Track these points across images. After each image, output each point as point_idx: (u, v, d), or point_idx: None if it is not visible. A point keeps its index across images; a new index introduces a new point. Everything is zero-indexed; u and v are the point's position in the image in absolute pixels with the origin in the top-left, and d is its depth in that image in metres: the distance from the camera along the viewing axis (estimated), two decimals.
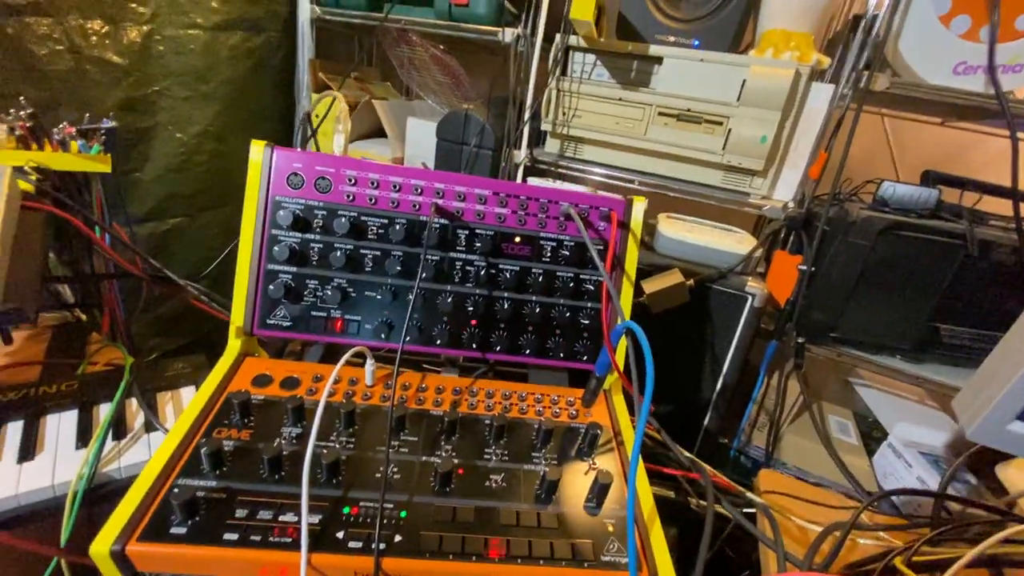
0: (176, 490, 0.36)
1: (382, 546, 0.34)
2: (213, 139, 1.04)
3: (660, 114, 0.86)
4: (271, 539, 0.34)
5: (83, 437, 0.51)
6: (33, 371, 0.61)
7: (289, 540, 0.34)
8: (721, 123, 0.82)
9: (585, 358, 0.52)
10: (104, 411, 0.54)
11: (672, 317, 0.75)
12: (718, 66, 0.80)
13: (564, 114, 0.93)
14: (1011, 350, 0.39)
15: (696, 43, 0.84)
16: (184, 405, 0.58)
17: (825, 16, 0.84)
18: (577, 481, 0.42)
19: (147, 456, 0.50)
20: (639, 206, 0.53)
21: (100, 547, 0.32)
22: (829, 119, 0.79)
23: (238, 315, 0.48)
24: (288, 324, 0.49)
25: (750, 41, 0.88)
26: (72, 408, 0.54)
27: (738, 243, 0.80)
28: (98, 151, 0.61)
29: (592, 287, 0.52)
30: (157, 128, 0.96)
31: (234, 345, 0.48)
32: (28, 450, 0.48)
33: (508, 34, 0.91)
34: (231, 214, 1.13)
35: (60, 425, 0.52)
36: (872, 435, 0.94)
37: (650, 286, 0.75)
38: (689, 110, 0.84)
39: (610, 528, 0.39)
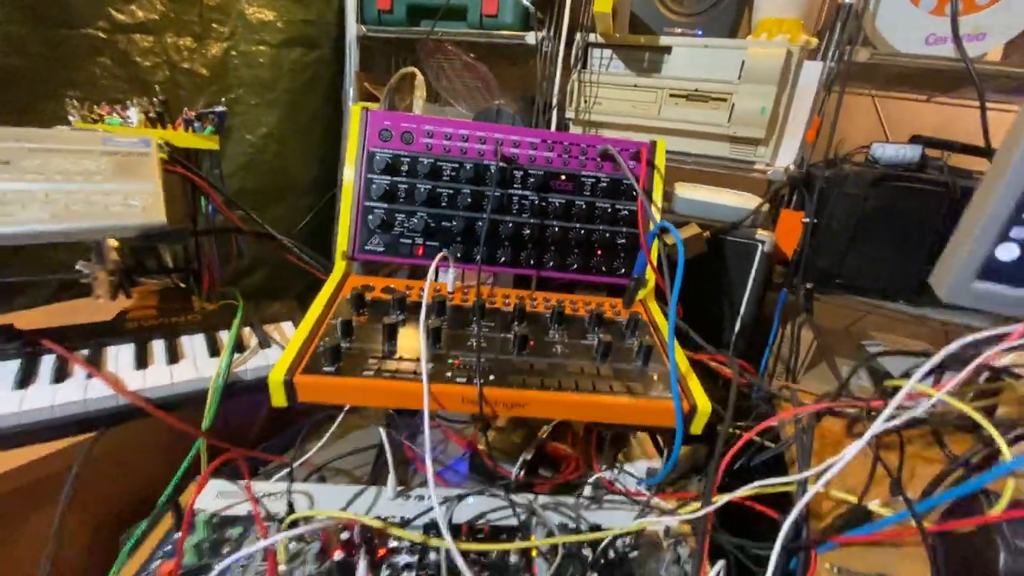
0: (321, 346, 0.47)
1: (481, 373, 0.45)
2: (276, 141, 1.18)
3: (671, 96, 0.98)
4: (398, 374, 0.45)
5: (213, 350, 0.63)
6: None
7: (412, 374, 0.45)
8: (725, 99, 0.94)
9: (623, 271, 0.63)
10: (224, 337, 0.66)
11: (692, 268, 0.85)
12: (720, 50, 0.92)
13: (585, 103, 1.06)
14: (969, 219, 0.49)
15: (700, 32, 0.97)
16: (288, 335, 0.69)
17: (812, 5, 0.97)
18: (625, 349, 0.52)
19: (267, 363, 0.62)
20: (662, 146, 0.64)
21: (276, 376, 0.43)
22: (820, 90, 0.90)
23: (343, 242, 0.60)
24: (381, 250, 0.61)
25: (747, 29, 1.00)
26: (199, 332, 0.66)
27: (747, 201, 0.91)
28: (210, 132, 0.74)
29: (627, 213, 0.63)
30: (232, 130, 1.11)
31: (340, 265, 0.60)
32: (173, 357, 0.60)
33: (534, 37, 1.05)
34: (289, 209, 1.27)
35: (193, 343, 0.64)
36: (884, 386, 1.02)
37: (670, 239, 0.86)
38: (697, 90, 0.96)
39: (655, 377, 0.49)
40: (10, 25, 0.80)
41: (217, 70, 1.06)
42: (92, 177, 0.55)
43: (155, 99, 0.71)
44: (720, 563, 0.41)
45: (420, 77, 0.83)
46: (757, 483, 0.43)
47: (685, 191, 0.94)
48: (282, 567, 0.43)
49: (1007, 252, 0.47)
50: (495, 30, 1.10)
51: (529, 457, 0.57)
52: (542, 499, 0.50)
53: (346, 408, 0.61)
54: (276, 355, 0.63)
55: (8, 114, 0.83)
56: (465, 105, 1.30)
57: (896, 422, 0.38)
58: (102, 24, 0.91)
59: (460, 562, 0.39)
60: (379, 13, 1.18)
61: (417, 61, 1.30)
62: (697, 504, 0.44)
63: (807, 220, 0.90)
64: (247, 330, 0.68)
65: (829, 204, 0.89)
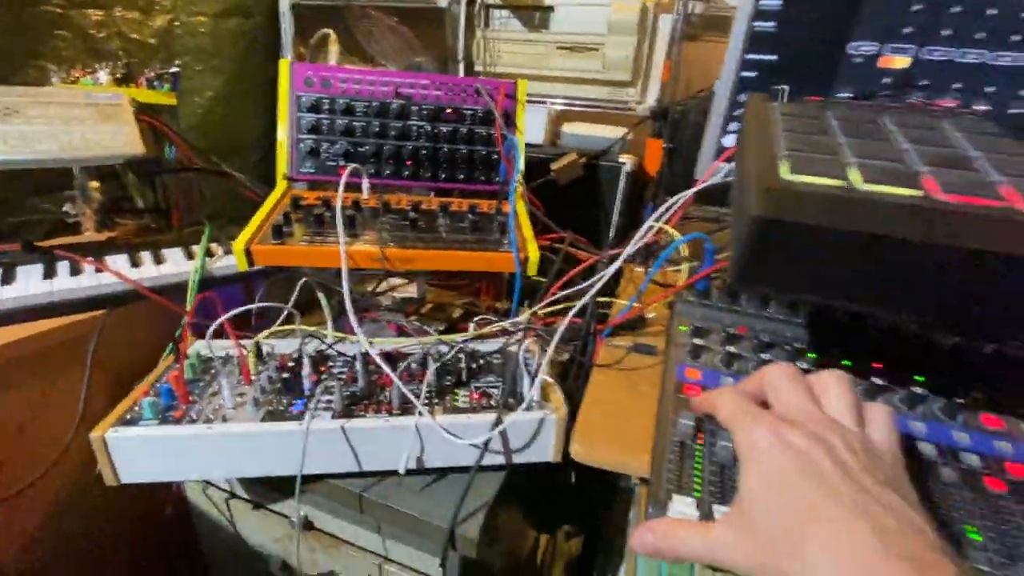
0: (271, 224, 0.67)
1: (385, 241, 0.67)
2: (222, 103, 1.34)
3: (558, 48, 1.19)
4: (325, 243, 0.66)
5: (189, 257, 0.82)
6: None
7: (334, 241, 0.66)
8: (599, 49, 1.15)
9: (497, 180, 0.85)
10: (196, 249, 0.85)
11: (574, 189, 1.08)
12: (591, 7, 1.13)
13: (490, 57, 1.25)
14: (710, 118, 0.72)
15: None
16: None
17: None
18: (490, 228, 0.75)
19: (231, 264, 0.81)
20: (523, 85, 0.85)
21: (238, 246, 0.64)
22: (672, 38, 1.12)
23: (282, 165, 0.80)
24: (312, 171, 0.81)
25: None
26: (176, 247, 0.85)
27: (617, 133, 1.14)
28: (168, 89, 0.91)
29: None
30: (182, 94, 1.26)
31: (281, 184, 0.80)
32: (159, 260, 0.79)
33: (443, 0, 1.23)
34: (241, 165, 1.43)
35: (172, 253, 0.83)
36: None
37: (555, 164, 1.08)
38: (577, 42, 1.17)
39: (506, 241, 0.72)
40: None
41: (163, 39, 1.20)
42: (84, 122, 0.73)
43: (119, 63, 0.88)
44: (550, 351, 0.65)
45: (334, 36, 1.02)
46: (561, 293, 0.67)
47: (569, 128, 1.16)
48: (253, 373, 0.64)
49: (729, 140, 0.70)
50: None
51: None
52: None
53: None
54: None
55: None
56: (393, 63, 1.47)
57: (631, 250, 0.61)
58: (56, 0, 1.05)
59: (368, 347, 0.61)
60: None
61: (347, 26, 1.46)
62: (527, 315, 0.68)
63: (665, 146, 1.14)
64: (215, 245, 0.87)
65: (680, 132, 1.13)
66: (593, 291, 0.64)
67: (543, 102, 1.23)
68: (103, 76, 0.86)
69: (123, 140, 0.73)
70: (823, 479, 0.29)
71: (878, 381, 0.46)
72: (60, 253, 0.75)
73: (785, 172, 0.35)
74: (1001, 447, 0.42)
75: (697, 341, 0.51)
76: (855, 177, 0.33)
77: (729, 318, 0.55)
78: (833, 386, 0.35)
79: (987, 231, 0.30)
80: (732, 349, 0.49)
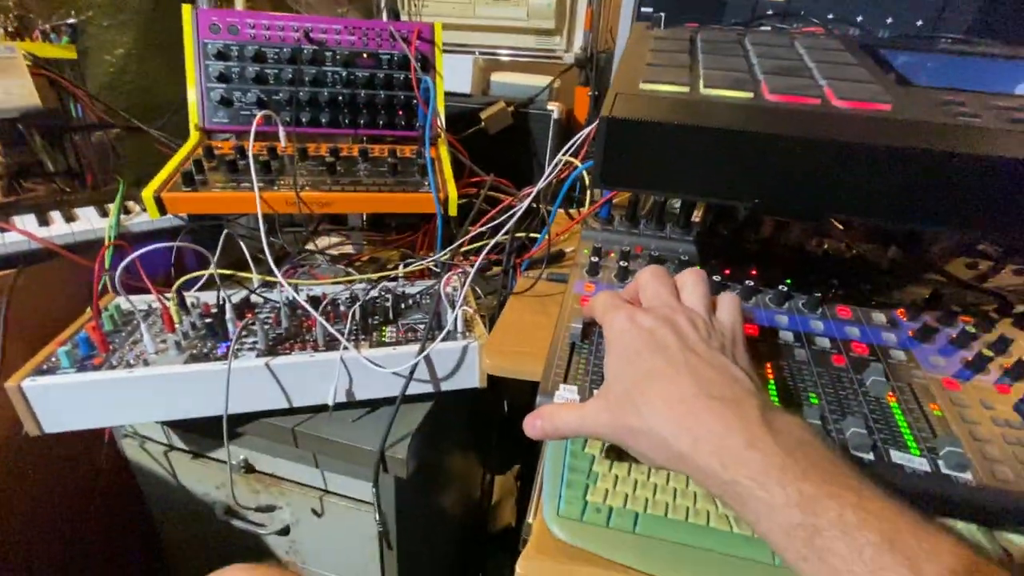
0: (181, 173, 0.66)
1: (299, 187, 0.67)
2: (136, 60, 1.26)
3: None
4: (239, 188, 0.66)
5: (103, 214, 0.80)
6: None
7: (249, 186, 0.66)
8: None
9: (420, 125, 0.85)
10: (110, 208, 0.83)
11: (505, 136, 1.09)
12: None
13: (415, 7, 1.23)
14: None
15: None
16: None
17: None
18: (411, 171, 0.76)
19: (149, 220, 0.80)
20: (439, 27, 0.85)
21: (147, 193, 0.63)
22: None
23: (193, 116, 0.78)
24: (227, 121, 0.79)
25: None
26: (89, 206, 0.82)
27: (545, 81, 1.15)
28: (66, 42, 0.86)
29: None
30: (89, 52, 1.18)
31: (195, 135, 0.78)
32: (69, 218, 0.77)
33: None
34: (160, 125, 1.36)
35: (86, 212, 0.80)
36: None
37: (485, 113, 1.09)
38: None
39: (426, 183, 0.73)
40: None
41: None
42: None
43: (11, 15, 0.82)
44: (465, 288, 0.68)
45: None
46: (476, 231, 0.69)
47: (498, 77, 1.17)
48: (176, 322, 0.64)
49: None
50: None
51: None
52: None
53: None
54: None
55: None
56: (316, 14, 1.42)
57: (542, 184, 0.64)
58: None
59: (295, 295, 0.62)
60: None
61: None
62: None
63: (591, 93, 1.16)
64: (131, 203, 0.85)
65: (606, 79, 1.15)
66: (508, 226, 0.67)
67: (472, 52, 1.23)
68: None
69: (18, 93, 0.70)
70: (664, 349, 0.34)
71: (752, 284, 0.52)
72: None
73: (640, 82, 0.38)
74: (850, 331, 0.48)
75: (595, 260, 0.55)
76: (699, 84, 0.37)
77: (628, 240, 0.60)
78: (689, 281, 0.40)
79: (803, 121, 0.34)
80: (626, 264, 0.54)
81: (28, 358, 0.75)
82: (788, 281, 0.53)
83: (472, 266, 0.69)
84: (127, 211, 0.81)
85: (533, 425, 0.39)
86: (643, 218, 0.62)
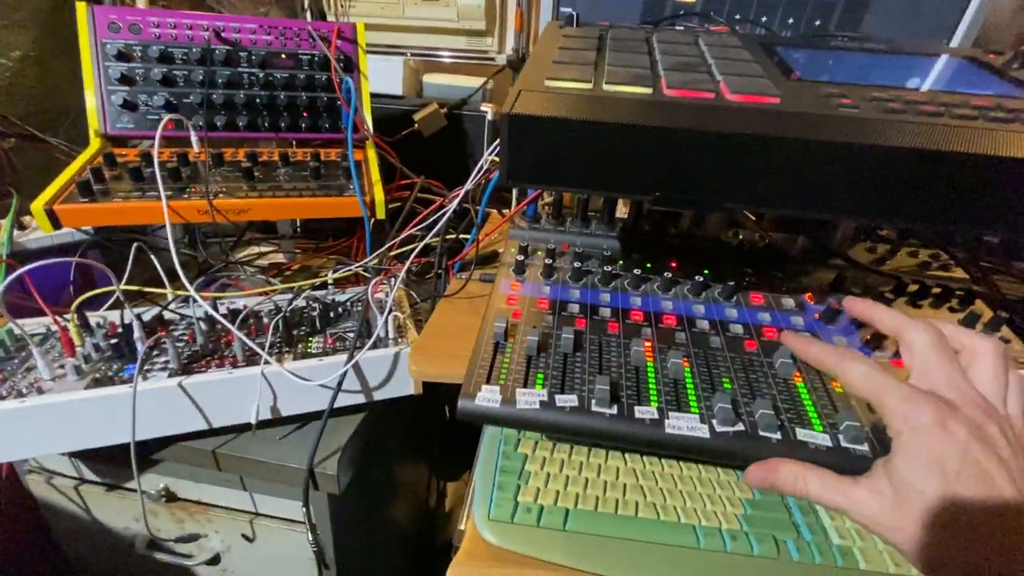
0: (77, 182, 0.61)
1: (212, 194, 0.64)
2: (35, 63, 1.16)
3: None
4: (144, 197, 0.62)
5: None
6: None
7: (155, 195, 0.62)
8: None
9: (342, 124, 0.83)
10: (3, 222, 0.76)
11: (439, 138, 1.08)
12: None
13: (342, 7, 1.20)
14: None
15: None
16: None
17: None
18: (335, 174, 0.73)
19: (45, 236, 0.74)
20: (361, 26, 0.83)
21: (36, 206, 0.58)
22: None
23: (93, 122, 0.72)
24: (132, 126, 0.74)
25: None
26: None
27: (474, 83, 1.15)
28: None
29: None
30: None
31: (95, 142, 0.72)
32: None
33: None
34: (75, 134, 1.26)
35: None
36: None
37: (418, 115, 1.07)
38: None
39: (351, 187, 0.71)
40: None
41: None
42: None
43: None
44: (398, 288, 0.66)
45: None
46: (406, 234, 0.68)
47: (431, 79, 1.15)
48: (77, 344, 0.59)
49: None
50: None
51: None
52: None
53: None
54: None
55: None
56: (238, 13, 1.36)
57: (470, 185, 0.64)
58: None
59: (209, 309, 0.59)
60: None
61: None
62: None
63: None
64: (27, 217, 0.78)
65: None
66: (438, 227, 0.66)
67: (403, 53, 1.21)
68: None
69: None
70: (986, 478, 0.30)
71: (671, 276, 0.53)
72: None
73: (545, 79, 0.38)
74: (762, 317, 0.50)
75: (520, 258, 0.54)
76: (602, 81, 0.37)
77: (555, 237, 0.60)
78: (988, 359, 0.35)
79: (697, 115, 0.35)
80: (551, 262, 0.54)
81: None
82: (706, 272, 0.54)
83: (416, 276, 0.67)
84: (22, 227, 0.74)
85: (764, 479, 0.36)
86: (568, 216, 0.62)
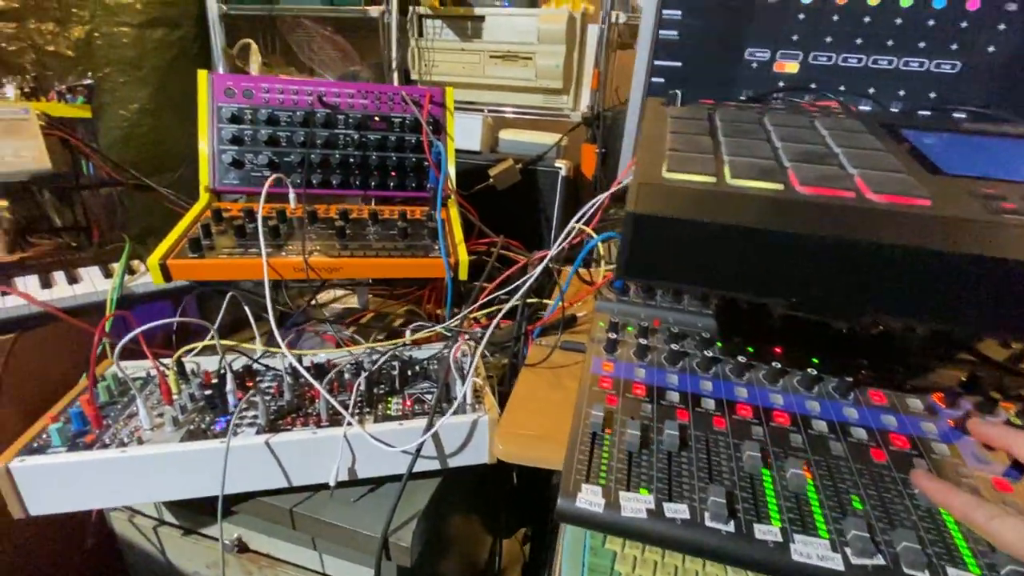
0: (189, 237, 0.65)
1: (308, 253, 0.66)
2: (150, 115, 1.29)
3: (491, 57, 1.21)
4: (246, 254, 0.65)
5: (107, 275, 0.79)
6: None
7: (256, 252, 0.65)
8: (531, 58, 1.18)
9: (431, 186, 0.85)
10: (115, 267, 0.82)
11: (512, 193, 1.09)
12: (521, 18, 1.16)
13: (425, 66, 1.26)
14: (627, 123, 0.75)
15: (506, 3, 1.19)
16: None
17: None
18: (420, 234, 0.75)
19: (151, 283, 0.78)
20: (450, 92, 0.86)
21: (152, 260, 0.62)
22: (599, 47, 1.16)
23: (204, 178, 0.78)
24: (237, 183, 0.79)
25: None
26: (94, 265, 0.81)
27: (553, 139, 1.16)
28: (81, 102, 0.88)
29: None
30: (105, 107, 1.20)
31: (204, 196, 0.78)
32: (73, 280, 0.76)
33: (374, 10, 1.22)
34: (169, 180, 1.38)
35: (89, 272, 0.79)
36: None
37: (493, 171, 1.09)
38: (509, 51, 1.19)
39: (436, 247, 0.72)
40: None
41: (82, 51, 1.15)
42: None
43: (27, 76, 0.84)
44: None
45: (255, 46, 1.01)
46: (493, 295, 0.68)
47: (507, 135, 1.18)
48: (174, 392, 0.62)
49: None
50: (342, 5, 1.26)
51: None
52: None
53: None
54: None
55: None
56: (331, 73, 1.46)
57: (555, 251, 0.63)
58: None
59: (292, 358, 0.60)
60: None
61: (283, 36, 1.44)
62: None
63: (598, 151, 1.17)
64: (137, 261, 0.84)
65: (613, 136, 1.16)
66: (522, 292, 0.66)
67: (480, 110, 1.25)
68: (10, 90, 0.82)
69: (29, 156, 0.70)
70: None
71: (778, 365, 0.49)
72: None
73: (664, 171, 0.37)
74: (887, 420, 0.46)
75: (612, 335, 0.52)
76: (726, 173, 0.36)
77: (645, 312, 0.58)
78: None
79: (840, 219, 0.32)
80: (645, 341, 0.51)
81: (22, 426, 0.72)
82: (815, 361, 0.50)
83: (483, 329, 0.67)
84: (131, 271, 0.80)
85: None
86: (659, 288, 0.60)
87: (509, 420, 0.52)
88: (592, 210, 0.64)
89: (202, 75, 0.78)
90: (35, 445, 0.54)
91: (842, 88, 0.63)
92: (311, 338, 0.86)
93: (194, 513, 0.69)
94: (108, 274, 0.79)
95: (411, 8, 1.20)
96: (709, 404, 0.46)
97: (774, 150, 0.40)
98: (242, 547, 0.69)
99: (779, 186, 0.35)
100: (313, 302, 0.93)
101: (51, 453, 0.53)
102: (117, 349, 0.51)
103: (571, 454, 0.41)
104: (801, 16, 0.60)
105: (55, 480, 0.53)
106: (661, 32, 0.65)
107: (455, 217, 0.81)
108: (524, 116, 1.25)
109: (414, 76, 1.27)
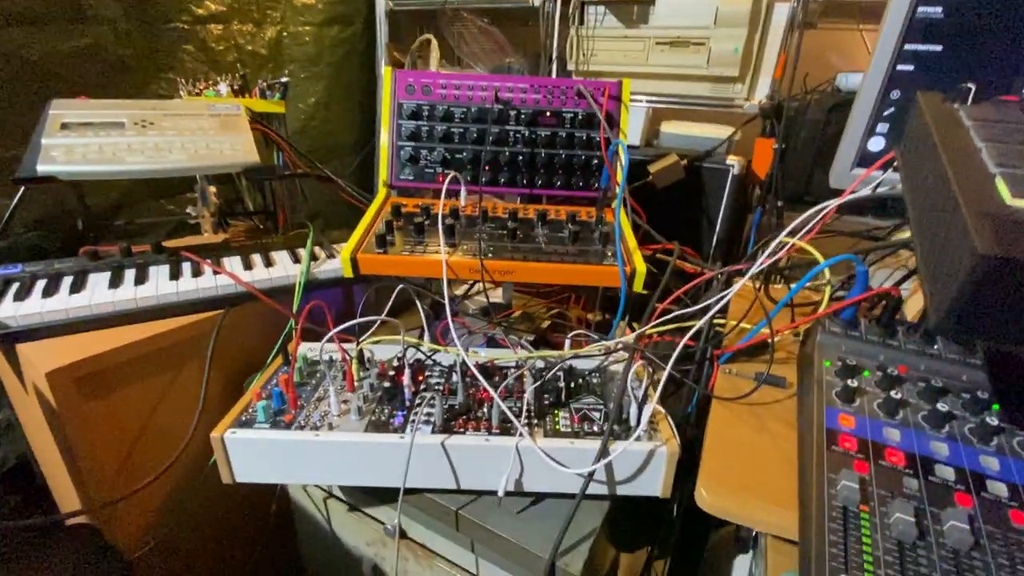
0: (375, 233, 0.67)
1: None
2: (323, 108, 1.39)
3: (657, 43, 1.12)
4: (426, 252, 0.65)
5: (294, 259, 0.85)
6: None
7: (435, 252, 0.65)
8: (704, 43, 1.07)
9: (597, 186, 0.80)
10: (301, 252, 0.88)
11: (675, 192, 1.01)
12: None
13: (584, 55, 1.20)
14: (848, 122, 0.64)
15: None
16: None
17: None
18: (591, 238, 0.71)
19: (334, 268, 0.83)
20: (627, 85, 0.80)
21: (345, 254, 0.64)
22: (787, 29, 1.02)
23: (384, 173, 0.80)
24: (411, 179, 0.81)
25: None
26: (283, 250, 0.88)
27: (721, 132, 1.05)
28: (278, 99, 0.95)
29: (599, 139, 0.80)
30: (288, 101, 1.32)
31: (382, 191, 0.80)
32: (268, 263, 0.83)
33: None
34: (337, 166, 1.49)
35: (280, 256, 0.86)
36: None
37: (654, 167, 1.02)
38: (679, 37, 1.09)
39: (610, 254, 0.67)
40: (123, 23, 1.03)
41: (272, 50, 1.27)
42: (207, 133, 0.77)
43: (236, 75, 0.93)
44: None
45: (435, 42, 1.02)
46: (673, 314, 0.61)
47: (669, 127, 1.09)
48: (356, 380, 0.65)
49: (875, 144, 0.62)
50: None
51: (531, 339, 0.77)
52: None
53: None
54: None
55: (126, 95, 1.06)
56: (483, 66, 1.47)
57: (757, 268, 0.55)
58: (184, 17, 1.13)
59: (470, 363, 0.59)
60: None
61: (439, 30, 1.47)
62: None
63: (777, 146, 1.04)
64: (317, 248, 0.90)
65: (795, 130, 1.02)
66: (712, 312, 0.59)
67: (640, 101, 1.17)
68: (223, 88, 0.91)
69: (242, 149, 0.77)
70: None
71: None
72: (184, 254, 0.80)
73: (1006, 195, 0.28)
74: None
75: (850, 383, 0.44)
76: None
77: (885, 354, 0.48)
78: None
79: None
80: (896, 394, 0.42)
81: (223, 394, 0.81)
82: None
83: (656, 349, 0.61)
84: (314, 257, 0.85)
85: None
86: (901, 324, 0.50)
87: (712, 466, 0.46)
88: (812, 221, 0.55)
89: (387, 72, 0.80)
90: (243, 419, 0.59)
91: None
92: (461, 331, 0.87)
93: (360, 492, 0.72)
94: (295, 258, 0.85)
95: None
96: (999, 489, 0.36)
97: None
98: (402, 533, 0.71)
99: None
100: (460, 291, 0.94)
101: (257, 428, 0.58)
102: (323, 342, 0.54)
103: (819, 534, 0.34)
104: None
105: (258, 454, 0.58)
106: (920, 8, 0.53)
107: (625, 222, 0.75)
108: (688, 107, 1.14)
109: (570, 67, 1.22)
